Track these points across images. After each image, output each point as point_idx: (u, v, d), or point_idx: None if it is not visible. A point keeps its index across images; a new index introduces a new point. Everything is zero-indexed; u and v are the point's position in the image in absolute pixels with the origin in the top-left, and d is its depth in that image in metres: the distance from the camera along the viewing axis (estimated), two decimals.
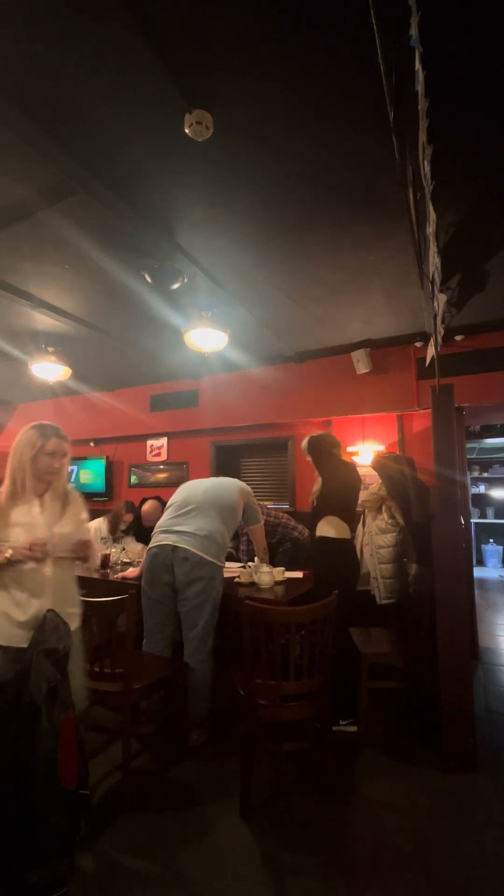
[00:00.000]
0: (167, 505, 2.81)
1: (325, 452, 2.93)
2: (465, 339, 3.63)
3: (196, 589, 2.47)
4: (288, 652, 1.99)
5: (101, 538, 3.88)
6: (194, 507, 2.66)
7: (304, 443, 3.03)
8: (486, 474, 8.18)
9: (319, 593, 2.49)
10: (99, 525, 3.91)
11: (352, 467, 3.01)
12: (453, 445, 2.60)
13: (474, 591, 4.11)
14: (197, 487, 2.80)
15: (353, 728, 2.60)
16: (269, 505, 4.27)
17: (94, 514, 4.24)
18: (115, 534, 3.91)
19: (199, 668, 2.47)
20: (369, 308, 3.27)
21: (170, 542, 2.54)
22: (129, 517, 3.96)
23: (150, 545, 2.64)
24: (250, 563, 3.10)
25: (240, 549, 3.83)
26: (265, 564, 3.02)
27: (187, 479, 3.64)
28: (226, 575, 3.00)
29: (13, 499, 1.82)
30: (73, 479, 5.86)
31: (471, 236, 2.33)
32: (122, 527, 3.95)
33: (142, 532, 3.86)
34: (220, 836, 1.88)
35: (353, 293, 3.03)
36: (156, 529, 2.69)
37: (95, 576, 3.26)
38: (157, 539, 2.61)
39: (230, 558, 3.65)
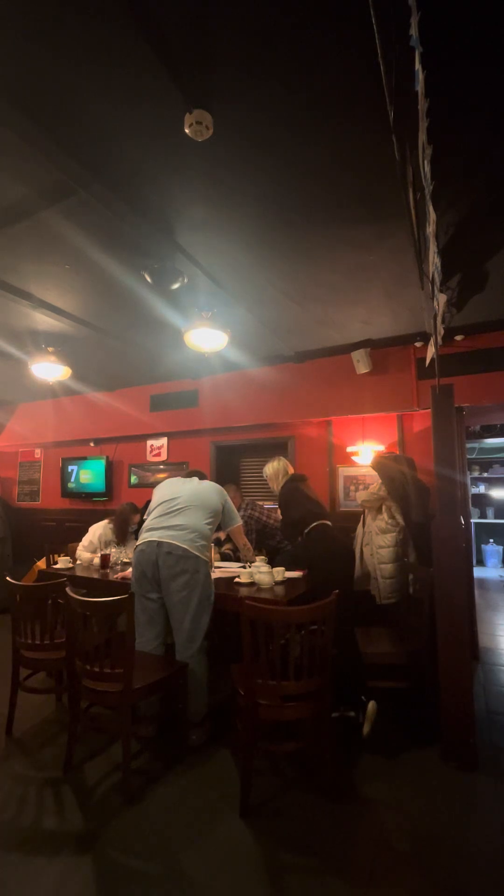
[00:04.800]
0: (151, 506, 2.81)
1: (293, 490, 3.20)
2: (465, 339, 3.62)
3: (181, 582, 2.48)
4: (288, 652, 1.99)
5: (105, 542, 3.86)
6: (183, 506, 2.67)
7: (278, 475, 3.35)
8: (486, 474, 8.18)
9: (318, 574, 2.84)
10: (104, 530, 3.90)
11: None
12: (453, 445, 2.60)
13: (474, 591, 4.11)
14: (182, 488, 2.80)
15: (352, 714, 2.58)
16: (268, 505, 4.27)
17: (94, 515, 4.24)
18: (124, 537, 3.88)
19: (191, 664, 2.48)
20: (369, 308, 3.26)
21: (155, 538, 2.55)
22: (136, 517, 3.95)
23: (138, 543, 2.65)
24: (249, 564, 3.11)
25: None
26: (264, 564, 3.02)
27: None
28: (226, 575, 3.02)
29: None
30: (73, 480, 5.86)
31: (471, 236, 2.33)
32: (132, 528, 3.93)
33: None
34: (220, 836, 1.88)
35: (353, 293, 3.03)
36: (143, 529, 2.70)
37: (95, 575, 3.27)
38: (144, 537, 2.63)
39: (228, 559, 3.65)
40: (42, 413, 5.97)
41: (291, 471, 3.41)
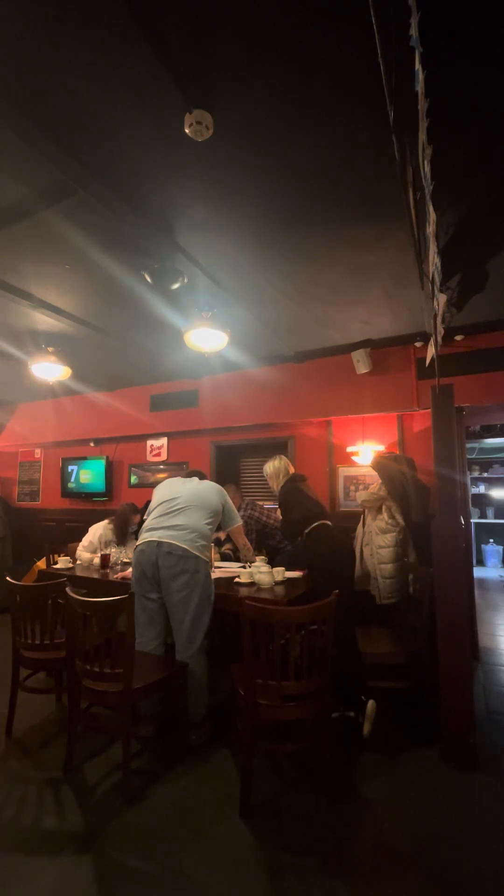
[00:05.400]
0: (151, 506, 2.81)
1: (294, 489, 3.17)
2: (465, 339, 3.63)
3: (181, 582, 2.48)
4: (288, 652, 1.99)
5: (105, 542, 3.86)
6: (183, 506, 2.67)
7: (277, 474, 3.34)
8: (486, 474, 8.19)
9: (318, 574, 2.84)
10: (104, 530, 3.89)
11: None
12: (453, 445, 2.60)
13: (474, 591, 4.11)
14: (181, 488, 2.81)
15: (352, 714, 2.58)
16: (268, 505, 4.27)
17: (94, 515, 4.24)
18: (124, 537, 3.88)
19: (191, 664, 2.48)
20: (369, 308, 3.26)
21: (155, 538, 2.55)
22: (136, 517, 3.95)
23: (138, 543, 2.65)
24: (249, 564, 3.11)
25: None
26: (264, 564, 3.02)
27: None
28: (226, 575, 3.02)
29: None
30: (73, 480, 5.86)
31: (471, 236, 2.33)
32: (132, 528, 3.93)
33: None
34: (220, 836, 1.88)
35: (353, 293, 3.03)
36: (143, 529, 2.70)
37: (95, 575, 3.27)
38: (144, 537, 2.63)
39: (228, 559, 3.65)
40: (42, 413, 5.97)
41: (292, 470, 3.41)
